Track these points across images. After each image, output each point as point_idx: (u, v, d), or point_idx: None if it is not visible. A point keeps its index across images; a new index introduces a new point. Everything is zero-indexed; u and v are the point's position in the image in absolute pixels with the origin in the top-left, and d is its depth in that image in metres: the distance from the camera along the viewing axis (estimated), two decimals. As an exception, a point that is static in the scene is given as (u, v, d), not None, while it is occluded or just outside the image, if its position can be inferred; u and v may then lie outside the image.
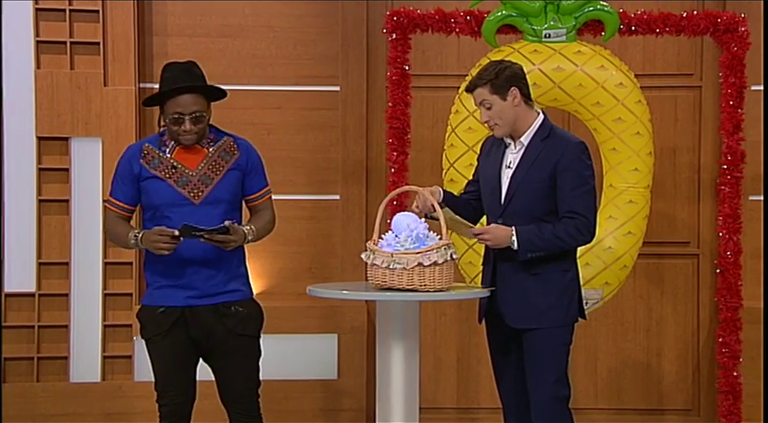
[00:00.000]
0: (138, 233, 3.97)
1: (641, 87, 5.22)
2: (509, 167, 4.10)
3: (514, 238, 3.96)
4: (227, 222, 3.91)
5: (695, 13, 5.37)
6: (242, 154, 4.11)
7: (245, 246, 4.11)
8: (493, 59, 4.34)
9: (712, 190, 5.99)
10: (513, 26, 5.24)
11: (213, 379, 4.15)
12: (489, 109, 4.05)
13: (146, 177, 4.01)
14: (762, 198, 5.91)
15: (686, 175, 6.20)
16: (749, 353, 5.77)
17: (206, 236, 3.87)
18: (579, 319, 4.15)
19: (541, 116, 4.11)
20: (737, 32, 5.31)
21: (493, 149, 4.21)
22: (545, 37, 5.18)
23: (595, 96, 5.10)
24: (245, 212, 4.21)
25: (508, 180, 4.08)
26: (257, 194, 4.17)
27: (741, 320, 5.49)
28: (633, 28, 5.31)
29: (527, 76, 4.15)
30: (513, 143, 4.11)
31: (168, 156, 4.02)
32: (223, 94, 4.09)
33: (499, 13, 5.22)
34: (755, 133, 5.94)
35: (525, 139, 4.07)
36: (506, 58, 5.05)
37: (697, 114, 6.19)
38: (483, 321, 4.28)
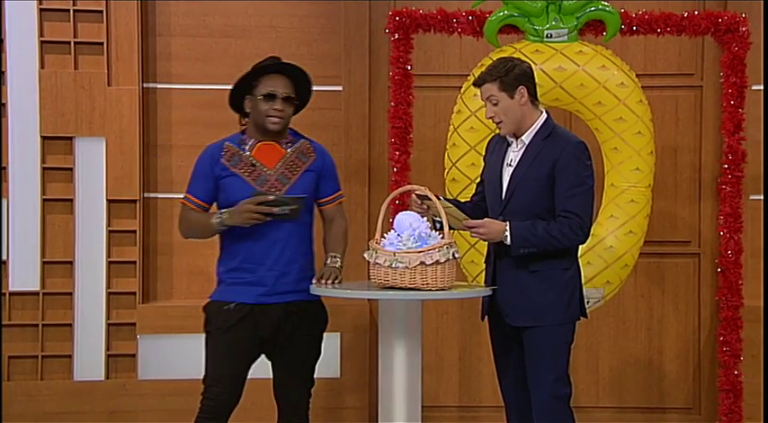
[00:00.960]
0: (223, 212, 4.02)
1: (642, 87, 5.23)
2: (510, 165, 4.12)
3: (507, 233, 3.98)
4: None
5: (696, 13, 5.37)
6: (318, 157, 4.23)
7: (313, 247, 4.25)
8: (503, 56, 4.34)
9: (713, 189, 6.00)
10: (515, 26, 5.25)
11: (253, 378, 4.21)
12: (496, 105, 4.07)
13: (225, 175, 4.09)
14: (762, 197, 5.92)
15: (687, 175, 6.21)
16: (750, 351, 5.78)
17: (276, 211, 3.96)
18: (581, 317, 4.16)
19: (544, 115, 4.13)
20: (738, 32, 5.31)
21: (496, 148, 4.24)
22: (547, 37, 5.18)
23: (597, 96, 5.11)
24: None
25: (508, 178, 4.10)
26: (330, 198, 4.28)
27: (742, 319, 5.49)
28: (634, 28, 5.31)
29: (535, 76, 4.16)
30: (515, 141, 4.14)
31: (248, 154, 4.12)
32: (307, 94, 4.24)
33: (501, 14, 5.23)
34: (756, 133, 5.96)
35: (527, 137, 4.09)
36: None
37: (698, 114, 6.20)
38: (485, 319, 4.29)
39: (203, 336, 4.17)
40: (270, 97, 4.09)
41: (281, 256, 4.10)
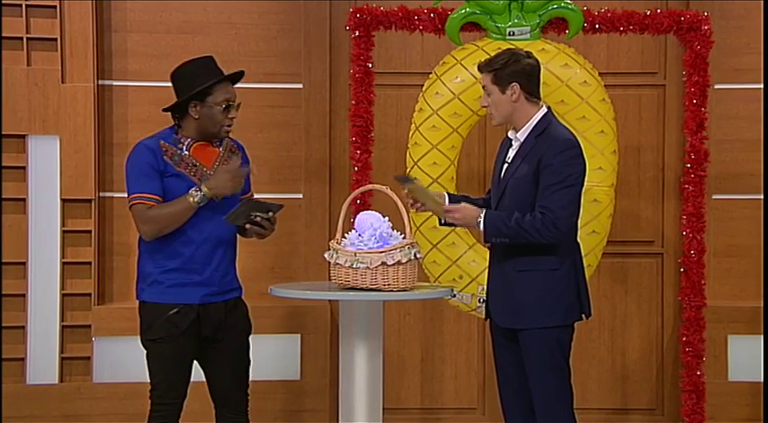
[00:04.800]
0: (200, 187, 3.98)
1: (605, 86, 5.22)
2: (507, 163, 4.10)
3: (481, 220, 3.95)
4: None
5: (659, 11, 5.37)
6: (242, 153, 4.28)
7: None
8: (510, 48, 4.28)
9: (676, 189, 6.00)
10: (477, 24, 5.22)
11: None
12: (489, 96, 4.07)
13: (170, 174, 4.06)
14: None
15: (650, 174, 6.21)
16: (713, 352, 5.81)
17: (261, 216, 4.01)
18: (576, 319, 4.07)
19: (542, 112, 4.07)
20: (700, 31, 5.32)
21: (503, 146, 4.21)
22: (509, 35, 5.16)
23: (559, 94, 5.08)
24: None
25: (503, 175, 4.08)
26: (248, 195, 4.27)
27: (704, 320, 5.50)
28: (597, 26, 5.30)
29: (539, 72, 4.09)
30: (514, 138, 4.10)
31: (187, 153, 4.11)
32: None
33: (463, 11, 5.19)
34: (719, 132, 5.99)
35: (522, 135, 4.05)
36: (470, 55, 5.05)
37: (661, 113, 6.20)
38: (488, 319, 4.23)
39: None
40: (228, 108, 4.11)
41: (225, 257, 4.13)
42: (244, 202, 4.00)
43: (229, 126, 4.14)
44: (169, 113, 4.24)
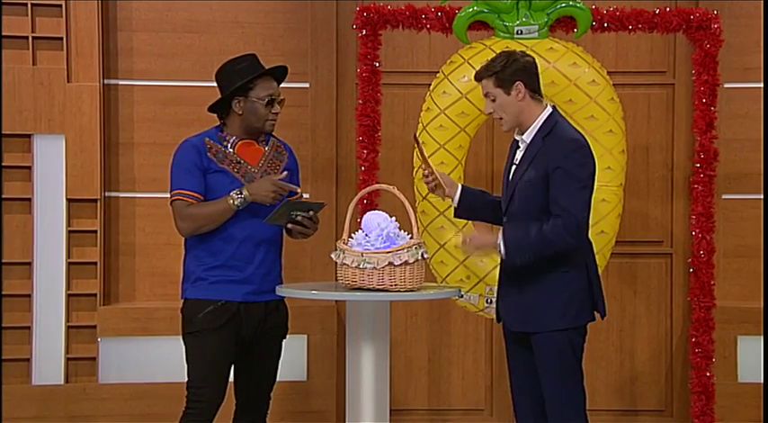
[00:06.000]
0: (241, 190, 4.02)
1: (614, 85, 5.19)
2: (515, 165, 4.04)
3: (500, 242, 3.87)
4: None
5: (668, 9, 5.34)
6: (289, 154, 4.33)
7: None
8: (504, 50, 4.25)
9: (685, 188, 5.97)
10: (485, 23, 5.21)
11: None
12: (494, 101, 4.00)
13: (214, 171, 4.11)
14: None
15: (659, 174, 6.18)
16: (722, 353, 5.78)
17: (302, 215, 4.05)
18: (589, 321, 4.03)
19: (547, 111, 4.01)
20: (710, 30, 5.29)
21: (511, 148, 4.15)
22: (517, 34, 5.14)
23: (568, 94, 5.05)
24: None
25: (511, 178, 4.03)
26: (295, 197, 4.25)
27: (714, 320, 5.47)
28: (605, 25, 5.27)
29: (537, 69, 4.05)
30: (520, 140, 4.05)
31: (231, 151, 4.15)
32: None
33: (471, 10, 5.18)
34: (729, 131, 5.96)
35: (528, 136, 3.99)
36: (478, 54, 5.02)
37: (670, 112, 6.17)
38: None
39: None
40: (271, 102, 4.16)
41: (268, 255, 4.15)
42: (284, 202, 4.02)
43: (273, 121, 4.17)
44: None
